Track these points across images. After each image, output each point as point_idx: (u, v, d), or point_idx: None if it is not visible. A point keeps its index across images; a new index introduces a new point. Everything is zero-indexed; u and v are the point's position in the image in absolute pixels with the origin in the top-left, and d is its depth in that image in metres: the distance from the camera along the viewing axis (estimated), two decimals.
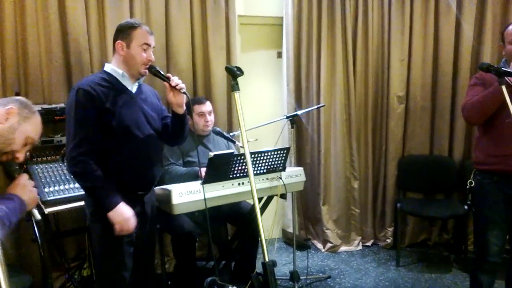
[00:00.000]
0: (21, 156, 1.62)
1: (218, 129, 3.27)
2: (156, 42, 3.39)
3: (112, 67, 2.24)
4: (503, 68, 2.33)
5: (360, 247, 4.25)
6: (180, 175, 3.02)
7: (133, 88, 2.27)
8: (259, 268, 3.31)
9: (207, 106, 3.28)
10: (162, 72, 2.23)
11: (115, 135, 2.14)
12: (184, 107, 2.30)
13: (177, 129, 2.38)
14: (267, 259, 1.56)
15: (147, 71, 2.23)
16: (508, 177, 2.49)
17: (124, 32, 2.20)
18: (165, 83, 2.22)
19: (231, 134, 3.36)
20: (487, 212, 2.59)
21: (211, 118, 3.29)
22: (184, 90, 2.21)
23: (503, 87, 2.25)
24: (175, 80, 2.21)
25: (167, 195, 2.53)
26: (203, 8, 3.60)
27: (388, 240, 4.27)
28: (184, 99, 2.25)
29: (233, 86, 1.73)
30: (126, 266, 2.22)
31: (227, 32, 3.70)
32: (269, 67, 4.31)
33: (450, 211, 3.84)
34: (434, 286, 3.44)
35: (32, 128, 1.60)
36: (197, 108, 3.24)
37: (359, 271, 3.75)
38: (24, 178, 1.61)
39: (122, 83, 2.23)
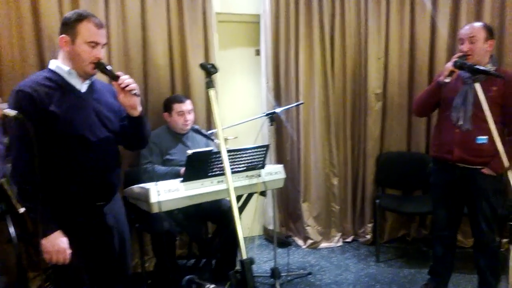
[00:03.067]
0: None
1: (196, 126, 3.26)
2: (133, 39, 3.42)
3: (58, 64, 2.01)
4: (476, 66, 2.45)
5: (340, 243, 4.28)
6: (160, 175, 2.99)
7: (82, 87, 2.04)
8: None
9: (187, 105, 3.26)
10: (111, 70, 1.99)
11: (63, 140, 1.94)
12: (140, 108, 2.06)
13: (134, 132, 2.14)
14: (244, 256, 1.55)
15: (96, 70, 2.00)
16: (445, 163, 2.89)
17: (68, 25, 1.95)
18: (114, 82, 1.98)
19: (210, 131, 3.35)
20: (433, 192, 3.10)
21: (190, 117, 3.27)
22: (135, 92, 1.98)
23: (477, 85, 2.39)
24: (125, 80, 1.96)
25: (145, 194, 2.51)
26: (180, 5, 3.56)
27: (368, 236, 4.31)
28: (137, 100, 2.02)
29: (207, 83, 1.69)
30: (80, 279, 2.05)
31: (204, 30, 3.67)
32: (247, 65, 4.30)
33: (427, 207, 3.83)
34: (413, 281, 3.48)
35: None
36: (177, 107, 3.22)
37: (339, 267, 3.78)
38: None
39: (69, 82, 2.00)
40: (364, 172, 4.28)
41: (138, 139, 2.21)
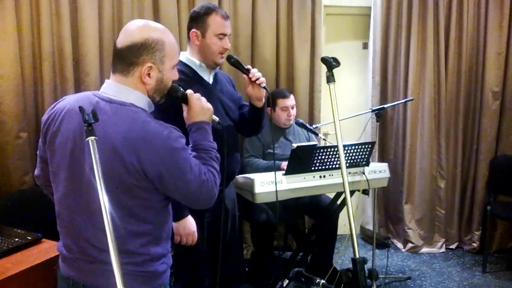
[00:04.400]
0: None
1: (301, 120, 3.26)
2: (242, 33, 3.49)
3: (188, 57, 2.12)
4: None
5: (443, 250, 4.06)
6: (261, 169, 3.05)
7: (209, 78, 2.16)
8: (335, 263, 3.29)
9: (290, 100, 3.28)
10: (242, 64, 2.11)
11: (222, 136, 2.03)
12: (264, 100, 2.17)
13: (254, 121, 2.27)
14: (357, 255, 1.52)
15: (223, 60, 2.12)
16: None
17: (198, 19, 2.07)
18: (244, 75, 2.10)
19: (313, 126, 3.34)
20: None
21: (293, 112, 3.29)
22: (264, 85, 2.09)
23: None
24: (255, 73, 2.07)
25: (250, 184, 2.58)
26: (289, 0, 3.59)
27: (474, 244, 4.04)
28: (263, 93, 2.13)
29: (328, 77, 1.69)
30: (202, 260, 2.20)
31: (312, 24, 3.66)
32: (354, 59, 4.22)
33: None
34: None
35: (171, 63, 1.47)
36: (281, 102, 3.24)
37: (441, 274, 3.59)
38: (194, 96, 1.60)
39: (199, 74, 2.13)
40: (475, 176, 4.02)
41: (256, 127, 2.32)
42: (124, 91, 1.39)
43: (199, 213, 2.11)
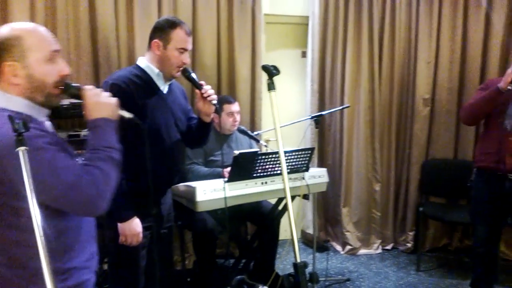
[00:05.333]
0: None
1: (242, 127, 3.27)
2: None
3: (147, 64, 2.14)
4: None
5: (379, 251, 4.21)
6: (202, 176, 3.03)
7: (164, 88, 2.18)
8: (277, 269, 3.33)
9: (236, 106, 3.29)
10: (196, 78, 2.15)
11: (143, 137, 2.02)
12: (211, 116, 2.23)
13: (200, 135, 2.33)
14: (299, 260, 1.55)
15: (180, 73, 2.15)
16: (494, 175, 2.77)
17: (162, 31, 2.09)
18: (197, 90, 2.16)
19: (255, 133, 3.36)
20: (476, 207, 2.97)
21: (238, 118, 3.30)
22: (215, 102, 2.13)
23: None
24: (207, 90, 2.13)
25: (192, 192, 2.54)
26: (229, 7, 3.60)
27: (409, 244, 4.23)
28: (213, 109, 2.18)
29: (269, 85, 1.71)
30: (138, 268, 2.19)
31: (252, 31, 3.69)
32: (293, 67, 4.29)
33: None
34: None
35: (37, 56, 1.37)
36: (227, 108, 3.24)
37: (378, 275, 3.72)
38: (89, 92, 1.46)
39: (155, 82, 2.14)
40: (408, 179, 4.21)
41: (201, 140, 2.39)
42: None
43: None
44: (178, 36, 2.08)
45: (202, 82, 2.15)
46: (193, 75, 2.16)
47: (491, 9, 3.94)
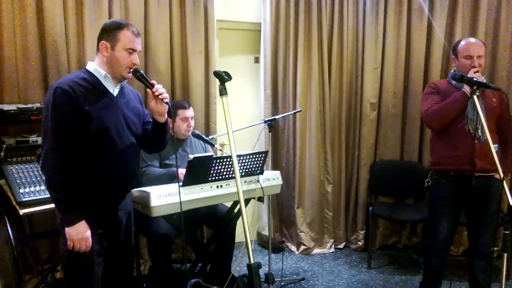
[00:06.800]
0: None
1: (197, 132, 3.30)
2: None
3: (95, 67, 2.14)
4: (475, 79, 2.57)
5: (332, 250, 4.33)
6: (157, 176, 3.03)
7: (114, 90, 2.17)
8: (234, 271, 3.36)
9: (190, 111, 3.30)
10: (147, 78, 2.17)
11: (92, 139, 2.04)
12: (166, 116, 2.23)
13: (157, 137, 2.31)
14: (252, 261, 1.59)
15: (130, 74, 2.15)
16: (461, 176, 2.86)
17: (109, 32, 2.10)
18: (148, 90, 2.15)
19: (209, 137, 3.39)
20: (438, 206, 2.99)
21: (192, 123, 3.32)
22: (166, 100, 2.14)
23: (475, 97, 2.52)
24: (159, 89, 2.14)
25: (145, 197, 2.52)
26: (182, 12, 3.61)
27: (360, 243, 4.37)
28: (166, 108, 2.19)
29: (221, 90, 1.76)
30: (94, 276, 2.15)
31: (206, 37, 3.72)
32: (246, 72, 4.36)
33: (419, 215, 3.94)
34: (404, 287, 3.55)
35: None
36: (181, 113, 3.25)
37: (332, 273, 3.83)
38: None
39: (103, 84, 2.13)
40: (358, 180, 4.35)
41: (159, 143, 2.37)
42: None
43: (91, 225, 2.08)
44: (126, 37, 2.10)
45: (153, 82, 2.16)
46: (144, 74, 2.18)
47: (432, 17, 4.16)
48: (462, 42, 2.90)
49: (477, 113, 2.70)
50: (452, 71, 2.96)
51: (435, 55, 4.19)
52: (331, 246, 4.34)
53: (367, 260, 4.03)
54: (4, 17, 3.01)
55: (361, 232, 4.38)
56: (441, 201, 2.97)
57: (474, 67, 2.78)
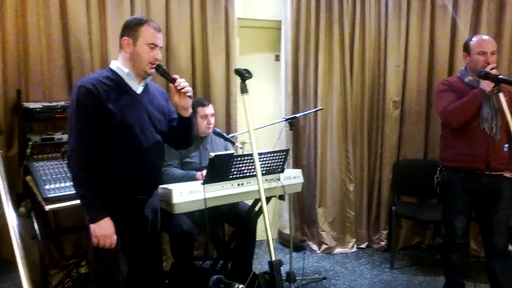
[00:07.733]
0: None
1: (218, 130, 3.31)
2: None
3: (118, 65, 2.16)
4: (500, 76, 2.52)
5: (354, 249, 4.29)
6: (176, 178, 3.04)
7: (138, 88, 2.18)
8: (255, 269, 3.36)
9: (209, 109, 3.31)
10: (169, 73, 2.18)
11: (116, 137, 2.07)
12: (190, 110, 2.23)
13: (182, 132, 2.30)
14: (273, 258, 1.58)
15: (153, 70, 2.16)
16: (473, 174, 2.83)
17: (130, 28, 2.12)
18: (171, 84, 2.17)
19: (230, 135, 3.39)
20: (452, 202, 2.96)
21: (212, 121, 3.33)
22: (189, 94, 2.14)
23: (501, 95, 2.46)
24: (181, 83, 2.14)
25: (168, 194, 2.55)
26: (203, 10, 3.64)
27: (382, 243, 4.32)
28: (189, 102, 2.19)
29: (242, 88, 1.76)
30: (120, 272, 2.17)
31: (226, 35, 3.74)
32: (267, 70, 4.35)
33: None
34: None
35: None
36: (201, 111, 3.26)
37: (353, 273, 3.79)
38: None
39: (126, 82, 2.15)
40: (380, 179, 4.30)
41: (185, 138, 2.36)
42: None
43: (117, 223, 2.10)
44: (147, 32, 2.11)
45: (175, 76, 2.17)
46: (166, 69, 2.20)
47: (456, 14, 4.08)
48: (474, 38, 2.87)
49: (494, 111, 2.70)
50: (463, 68, 2.93)
51: (459, 53, 4.07)
52: (353, 245, 4.30)
53: (390, 260, 3.98)
54: (29, 16, 3.08)
55: (384, 232, 4.33)
56: (454, 196, 2.94)
57: (488, 63, 2.73)
